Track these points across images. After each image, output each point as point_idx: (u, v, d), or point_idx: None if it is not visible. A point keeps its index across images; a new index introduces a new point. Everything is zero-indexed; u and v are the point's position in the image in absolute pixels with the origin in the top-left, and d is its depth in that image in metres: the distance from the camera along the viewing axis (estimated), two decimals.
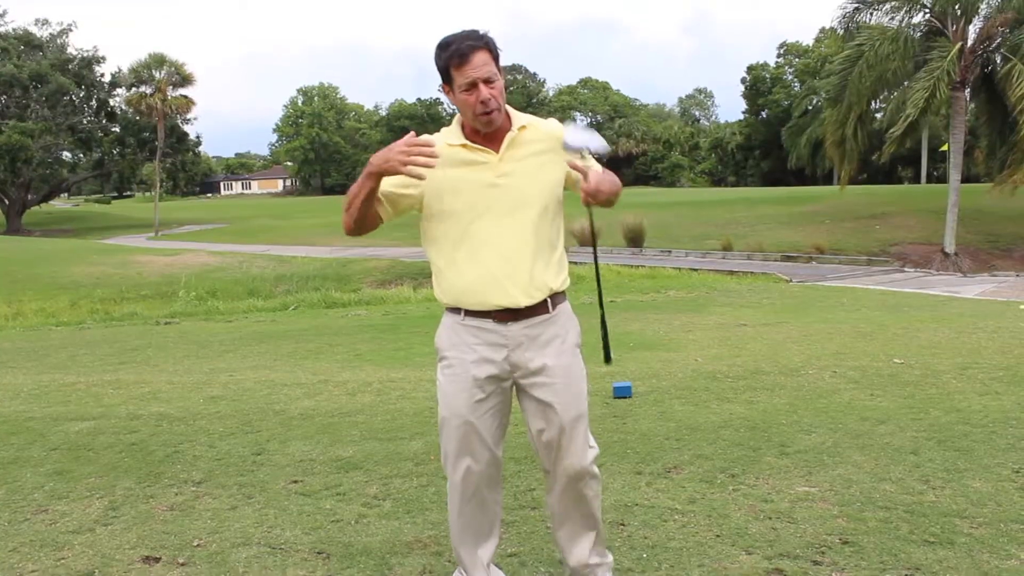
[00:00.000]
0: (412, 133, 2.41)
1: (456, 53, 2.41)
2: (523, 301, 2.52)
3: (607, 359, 2.78)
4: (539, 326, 2.57)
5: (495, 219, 2.51)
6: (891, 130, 22.61)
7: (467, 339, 2.58)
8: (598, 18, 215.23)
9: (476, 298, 2.54)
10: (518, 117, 2.57)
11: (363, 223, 2.54)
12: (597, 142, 2.58)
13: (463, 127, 2.56)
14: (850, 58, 22.61)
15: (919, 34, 22.31)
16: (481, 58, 2.41)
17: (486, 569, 2.75)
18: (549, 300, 2.57)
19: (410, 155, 2.33)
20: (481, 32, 2.46)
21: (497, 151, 2.52)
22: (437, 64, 2.47)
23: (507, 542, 3.22)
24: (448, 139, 2.56)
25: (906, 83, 23.20)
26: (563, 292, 2.65)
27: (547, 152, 2.57)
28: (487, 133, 2.52)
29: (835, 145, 24.08)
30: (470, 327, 2.57)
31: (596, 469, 2.69)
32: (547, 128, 2.61)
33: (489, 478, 2.67)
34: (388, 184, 2.49)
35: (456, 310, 2.60)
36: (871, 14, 23.81)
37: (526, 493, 3.74)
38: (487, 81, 2.42)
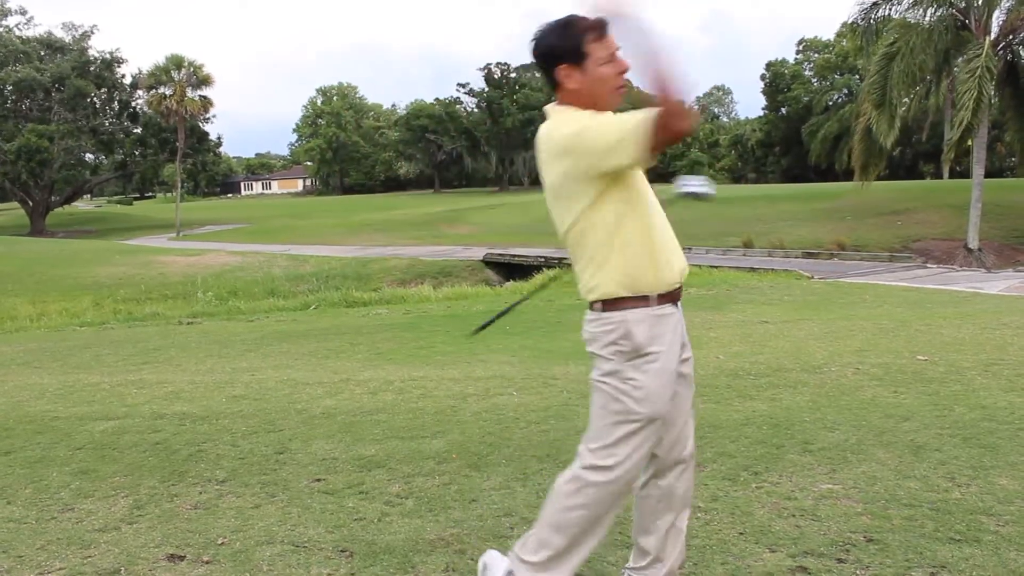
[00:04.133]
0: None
1: (595, 25, 2.29)
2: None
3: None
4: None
5: None
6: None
7: (664, 330, 2.41)
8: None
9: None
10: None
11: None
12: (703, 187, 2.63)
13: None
14: (887, 55, 22.25)
15: (944, 25, 21.98)
16: None
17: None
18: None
19: None
20: None
21: None
22: (563, 43, 2.31)
23: None
24: None
25: (928, 77, 22.95)
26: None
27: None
28: None
29: (863, 142, 23.72)
30: (665, 316, 2.41)
31: None
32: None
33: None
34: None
35: (643, 298, 2.38)
36: (891, 8, 23.59)
37: None
38: None
